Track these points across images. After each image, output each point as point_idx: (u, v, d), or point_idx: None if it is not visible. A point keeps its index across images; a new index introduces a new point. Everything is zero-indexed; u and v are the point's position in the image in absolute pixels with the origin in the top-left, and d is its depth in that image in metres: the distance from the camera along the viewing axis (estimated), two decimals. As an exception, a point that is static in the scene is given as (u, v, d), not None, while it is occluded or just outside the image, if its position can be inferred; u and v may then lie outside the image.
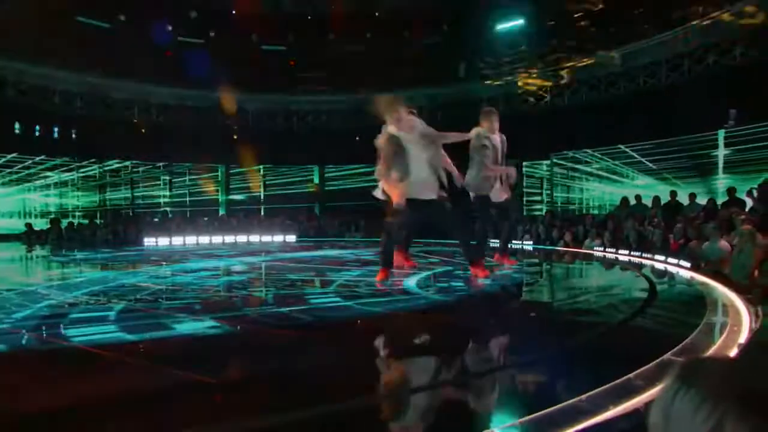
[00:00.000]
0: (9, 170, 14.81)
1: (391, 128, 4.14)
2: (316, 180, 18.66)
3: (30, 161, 15.35)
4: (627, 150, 13.57)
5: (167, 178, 17.38)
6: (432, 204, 4.19)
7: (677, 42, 12.17)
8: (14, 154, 15.11)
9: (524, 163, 16.39)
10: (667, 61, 12.63)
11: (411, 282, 4.45)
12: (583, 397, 1.85)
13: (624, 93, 13.72)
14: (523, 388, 2.12)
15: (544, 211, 15.00)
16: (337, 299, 3.66)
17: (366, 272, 5.13)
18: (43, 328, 2.76)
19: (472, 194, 4.79)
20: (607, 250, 8.57)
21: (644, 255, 7.56)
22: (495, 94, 16.84)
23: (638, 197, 11.57)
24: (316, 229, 16.08)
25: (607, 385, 1.93)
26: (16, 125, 16.02)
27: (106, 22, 15.51)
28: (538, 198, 16.28)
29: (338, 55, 17.86)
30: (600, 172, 14.61)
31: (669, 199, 10.95)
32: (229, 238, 13.07)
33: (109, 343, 2.45)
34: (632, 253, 7.94)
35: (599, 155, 14.43)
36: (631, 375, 2.05)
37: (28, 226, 14.17)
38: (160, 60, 16.26)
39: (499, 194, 4.74)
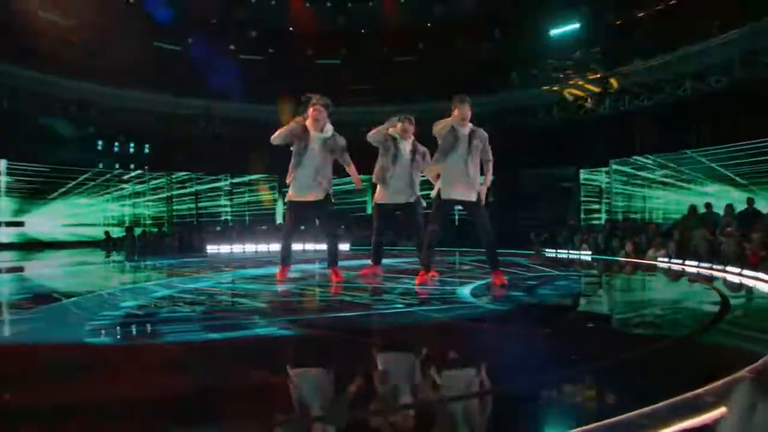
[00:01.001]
0: (93, 183, 16.20)
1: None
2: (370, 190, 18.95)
3: (109, 174, 16.73)
4: (694, 155, 12.81)
5: (228, 188, 18.30)
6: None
7: (748, 39, 11.40)
8: (97, 168, 16.56)
9: (581, 171, 15.89)
10: (737, 59, 11.85)
11: (465, 290, 4.46)
12: (645, 410, 1.81)
13: (691, 95, 12.99)
14: (580, 400, 2.09)
15: (604, 220, 14.42)
16: (400, 305, 3.63)
17: (445, 281, 5.08)
18: (119, 328, 2.98)
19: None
20: (672, 261, 8.11)
21: (715, 267, 7.09)
22: (550, 100, 16.47)
23: (708, 205, 10.86)
24: (369, 237, 16.26)
25: (670, 400, 1.87)
26: (99, 142, 17.55)
27: (177, 44, 16.70)
28: (596, 207, 15.68)
29: (391, 67, 18.16)
30: (665, 179, 13.86)
31: (745, 206, 10.21)
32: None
33: (183, 342, 2.63)
34: (701, 264, 7.47)
35: (663, 161, 13.70)
36: (698, 390, 1.96)
37: (107, 234, 15.36)
38: (223, 77, 17.24)
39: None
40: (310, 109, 4.58)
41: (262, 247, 13.27)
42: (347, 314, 3.40)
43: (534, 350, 2.59)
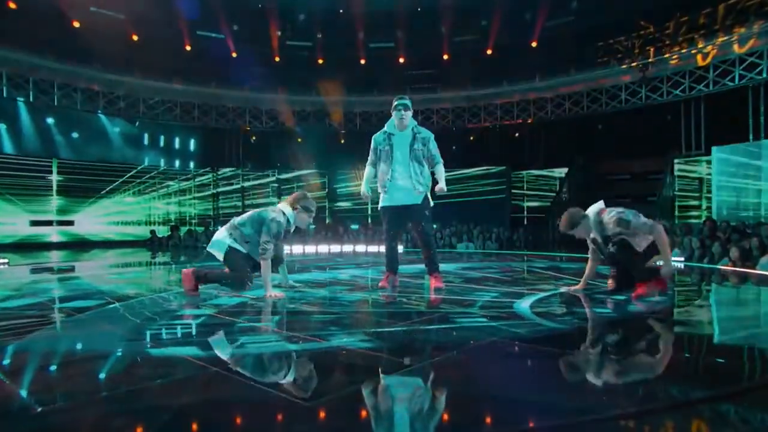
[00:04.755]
0: (138, 180, 15.80)
1: None
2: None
3: (155, 171, 16.26)
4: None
5: (275, 185, 17.43)
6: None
7: None
8: (143, 165, 16.17)
9: (676, 161, 13.67)
10: None
11: (524, 304, 3.58)
12: None
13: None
14: None
15: (703, 218, 12.18)
16: (483, 320, 3.11)
17: (504, 293, 4.25)
18: (166, 337, 2.75)
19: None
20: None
21: None
22: (633, 79, 14.36)
23: None
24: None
25: None
26: (145, 137, 17.25)
27: (222, 33, 15.96)
28: (695, 203, 13.40)
29: (449, 48, 16.60)
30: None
31: None
32: (335, 248, 12.42)
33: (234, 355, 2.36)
34: None
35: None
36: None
37: (152, 233, 14.92)
38: (269, 67, 16.37)
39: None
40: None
41: (310, 249, 12.24)
42: (426, 327, 2.90)
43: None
